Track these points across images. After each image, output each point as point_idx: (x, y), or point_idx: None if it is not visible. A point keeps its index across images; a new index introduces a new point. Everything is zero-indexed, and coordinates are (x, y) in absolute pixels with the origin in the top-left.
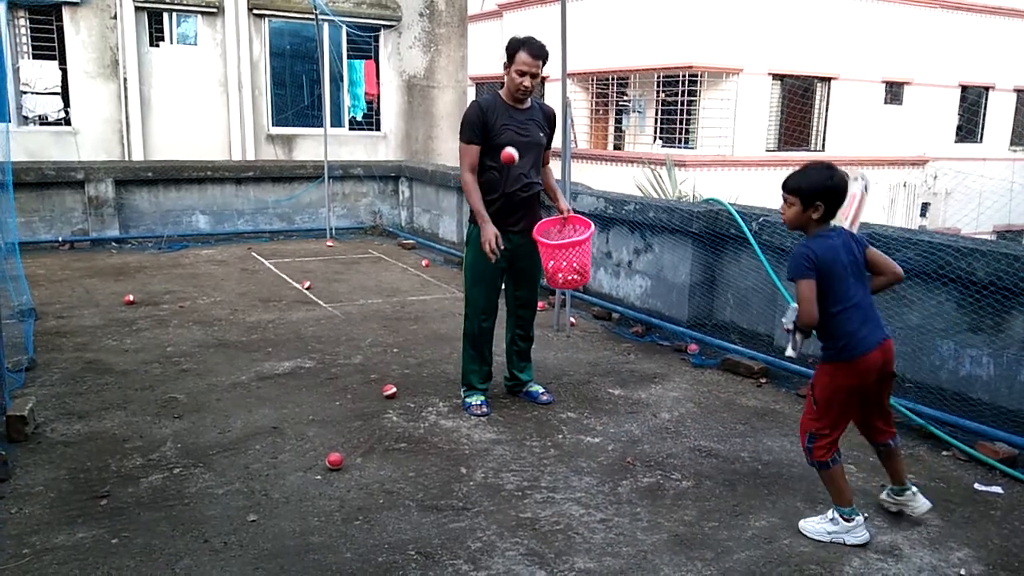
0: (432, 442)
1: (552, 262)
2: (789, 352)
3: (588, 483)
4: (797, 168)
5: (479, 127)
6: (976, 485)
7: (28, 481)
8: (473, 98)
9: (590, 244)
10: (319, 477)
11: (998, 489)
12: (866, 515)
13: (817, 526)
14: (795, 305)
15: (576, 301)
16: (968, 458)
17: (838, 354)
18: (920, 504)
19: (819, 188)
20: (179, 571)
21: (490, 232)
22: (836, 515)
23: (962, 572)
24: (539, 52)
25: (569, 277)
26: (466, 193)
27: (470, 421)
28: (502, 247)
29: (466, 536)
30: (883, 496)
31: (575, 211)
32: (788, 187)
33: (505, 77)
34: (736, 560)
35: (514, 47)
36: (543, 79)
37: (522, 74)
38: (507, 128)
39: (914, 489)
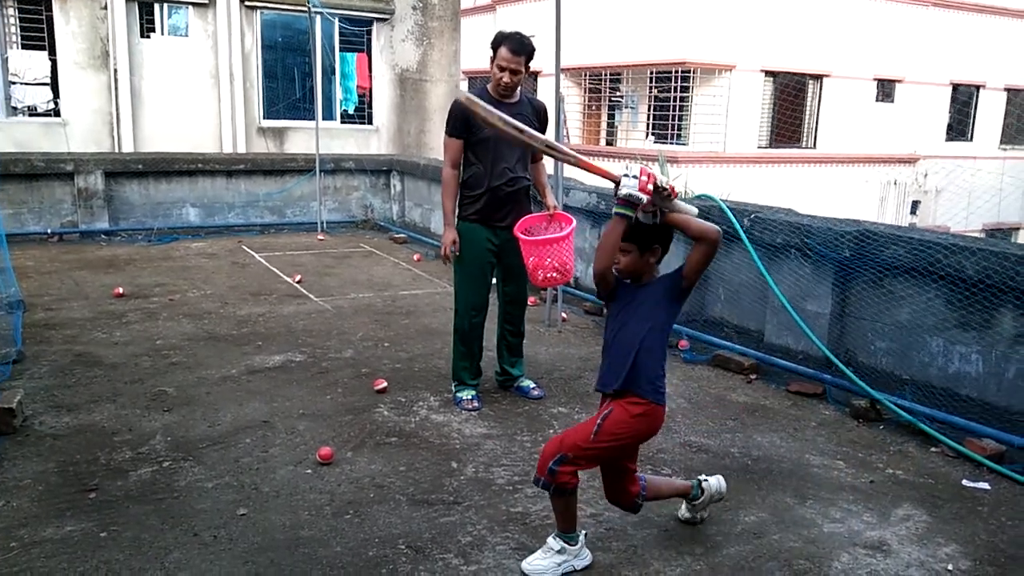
0: (423, 436)
1: (532, 258)
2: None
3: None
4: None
5: (461, 122)
6: (964, 481)
7: (16, 474)
8: (466, 92)
9: (571, 241)
10: (309, 471)
11: (986, 485)
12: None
13: (543, 562)
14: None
15: (567, 296)
16: (956, 454)
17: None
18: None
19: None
20: (168, 564)
21: (448, 237)
22: (561, 542)
23: (950, 567)
24: (520, 48)
25: (549, 275)
26: (442, 189)
27: (461, 416)
28: (456, 254)
29: (456, 530)
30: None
31: (565, 208)
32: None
33: (491, 72)
34: (725, 555)
35: (497, 42)
36: (535, 74)
37: (502, 69)
38: None
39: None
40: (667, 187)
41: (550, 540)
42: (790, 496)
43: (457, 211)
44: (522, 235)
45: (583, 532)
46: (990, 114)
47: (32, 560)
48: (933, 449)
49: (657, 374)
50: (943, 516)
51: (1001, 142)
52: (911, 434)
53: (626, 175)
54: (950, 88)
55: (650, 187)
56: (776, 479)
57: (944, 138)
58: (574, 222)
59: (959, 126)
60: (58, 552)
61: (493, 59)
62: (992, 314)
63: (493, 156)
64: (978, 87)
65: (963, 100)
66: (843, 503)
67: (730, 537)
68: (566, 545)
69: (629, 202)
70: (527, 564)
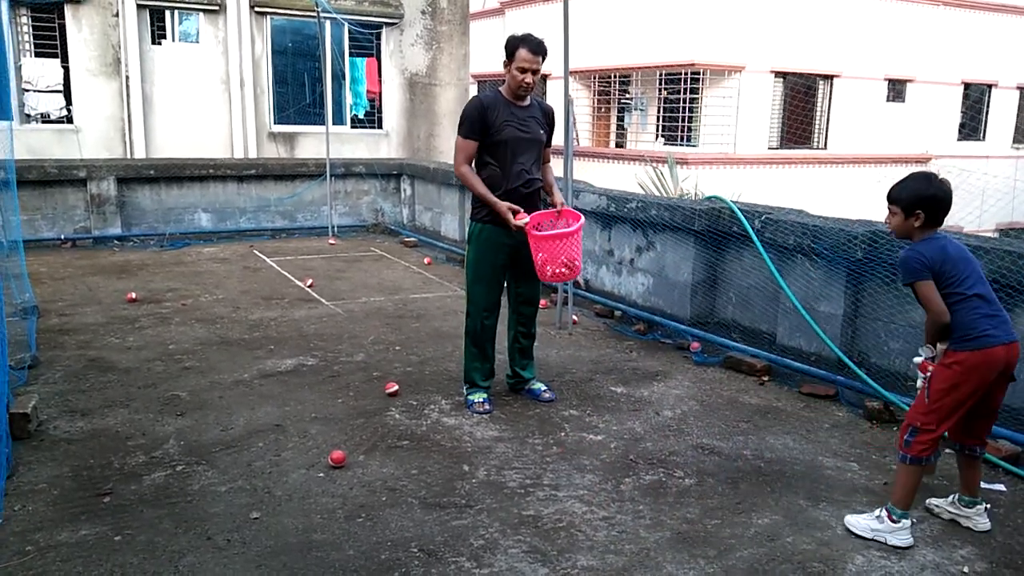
0: (434, 440)
1: (541, 254)
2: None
3: (591, 481)
4: (900, 178)
5: (478, 123)
6: (979, 483)
7: (31, 478)
8: (476, 95)
9: (579, 237)
10: (322, 475)
11: (1001, 487)
12: (914, 520)
13: (863, 522)
14: (928, 346)
15: (578, 299)
16: None
17: (964, 344)
18: (983, 522)
19: (917, 198)
20: (182, 568)
21: (504, 206)
22: (884, 513)
23: (965, 570)
24: (538, 48)
25: (558, 270)
26: (467, 183)
27: (472, 419)
28: (523, 219)
29: (469, 534)
30: (943, 503)
31: (574, 209)
32: (890, 197)
33: (506, 75)
34: (739, 558)
35: (513, 44)
36: (544, 77)
37: (523, 71)
38: (508, 124)
39: (986, 505)
40: None
41: (880, 509)
42: (803, 498)
43: (471, 212)
44: (531, 231)
45: (911, 520)
46: (1002, 113)
47: (48, 564)
48: (947, 451)
49: (952, 332)
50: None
51: (1014, 141)
52: None
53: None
54: (962, 87)
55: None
56: (789, 481)
57: (956, 138)
58: (582, 219)
59: (971, 125)
60: (73, 556)
61: (509, 62)
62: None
63: (511, 157)
64: (990, 86)
65: (975, 99)
66: (857, 505)
67: (743, 540)
68: (885, 516)
69: None
70: (850, 516)
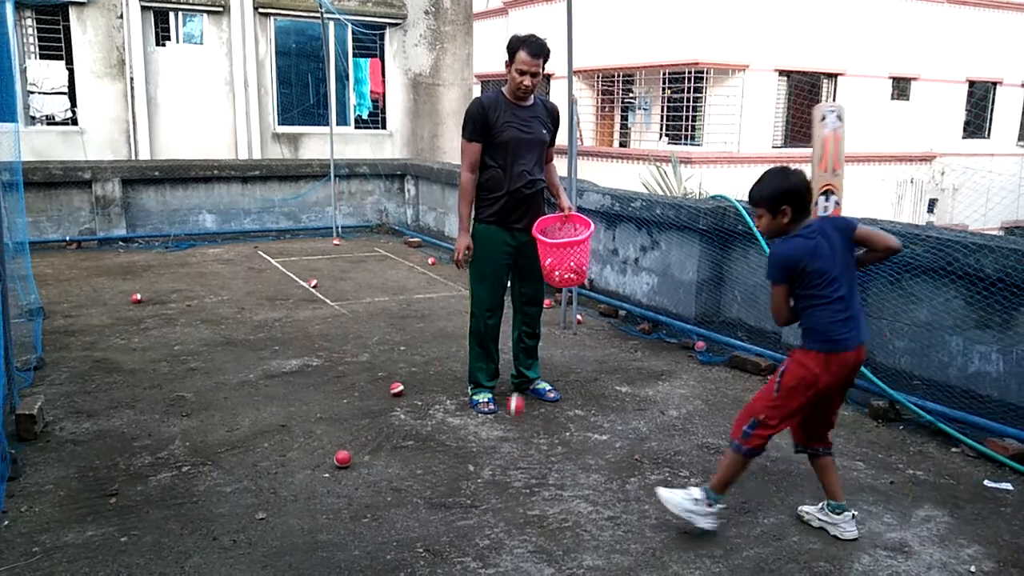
0: (439, 440)
1: (550, 259)
2: None
3: (596, 480)
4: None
5: (480, 124)
6: (986, 482)
7: (38, 479)
8: (478, 96)
9: (588, 244)
10: (327, 475)
11: (1008, 486)
12: (855, 513)
13: (677, 498)
14: None
15: (583, 298)
16: (977, 455)
17: (820, 344)
18: (850, 531)
19: (779, 193)
20: (188, 569)
21: (462, 243)
22: (702, 496)
23: (972, 569)
24: (539, 51)
25: (566, 276)
26: (459, 194)
27: (477, 419)
28: (468, 261)
29: (474, 534)
30: (813, 511)
31: (579, 210)
32: (752, 200)
33: (507, 75)
34: (745, 557)
35: (514, 46)
36: (548, 76)
37: (522, 73)
38: (510, 125)
39: (853, 512)
40: None
41: (695, 489)
42: (809, 498)
43: (474, 213)
44: (540, 236)
45: (722, 506)
46: (1007, 111)
47: (54, 565)
48: (954, 449)
49: (804, 332)
50: (965, 517)
51: (1019, 139)
52: (931, 434)
53: None
54: (966, 85)
55: None
56: (795, 480)
57: (961, 135)
58: (592, 226)
59: (976, 123)
60: (79, 557)
61: (510, 63)
62: (1012, 313)
63: (512, 158)
64: (995, 84)
65: (980, 97)
66: (863, 504)
67: (749, 539)
68: (703, 499)
69: None
70: (663, 489)
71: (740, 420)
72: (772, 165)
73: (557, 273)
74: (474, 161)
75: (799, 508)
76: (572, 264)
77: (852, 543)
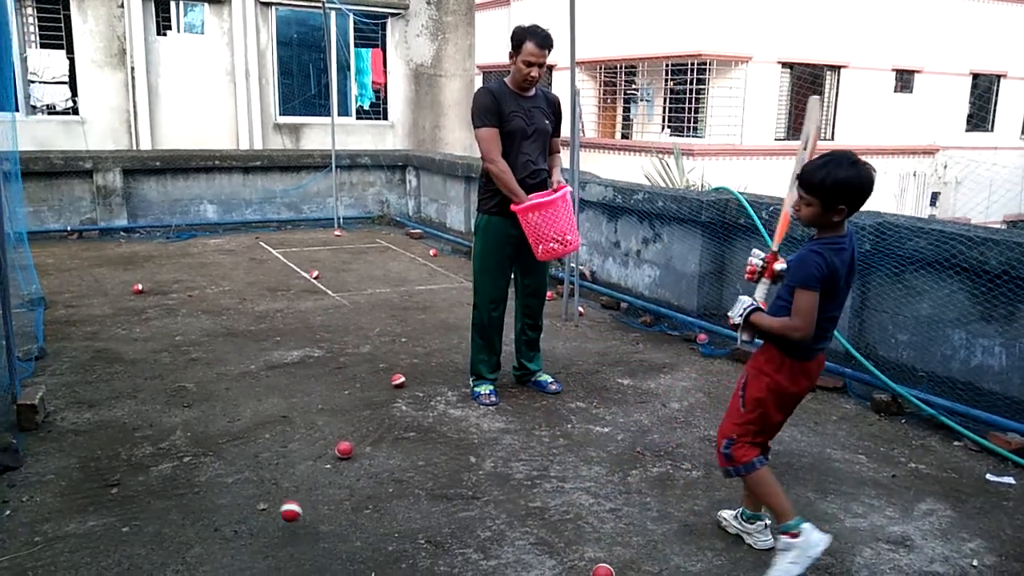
0: (441, 431)
1: (529, 230)
2: (743, 340)
3: (597, 473)
4: (817, 159)
5: (495, 111)
6: (988, 476)
7: (39, 469)
8: (478, 88)
9: (568, 209)
10: (329, 466)
11: (1010, 480)
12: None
13: (784, 563)
14: (744, 299)
15: (584, 291)
16: (980, 448)
17: (791, 352)
18: (764, 540)
19: (843, 188)
20: (190, 559)
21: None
22: (784, 538)
23: (974, 563)
24: (545, 42)
25: (550, 246)
26: (500, 176)
27: (479, 410)
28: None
29: (476, 525)
30: (728, 516)
31: (581, 202)
32: (807, 184)
33: (511, 66)
34: (747, 550)
35: (520, 37)
36: (550, 68)
37: (529, 64)
38: (515, 115)
39: (767, 522)
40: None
41: (779, 541)
42: (811, 491)
43: (477, 203)
44: (514, 207)
45: (765, 523)
46: (1011, 104)
47: (56, 555)
48: (956, 443)
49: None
50: (967, 511)
51: (1023, 132)
52: (933, 428)
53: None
54: (970, 78)
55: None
56: (797, 474)
57: (964, 128)
58: (567, 188)
59: (979, 116)
60: (81, 547)
61: (515, 55)
62: (1016, 306)
63: (517, 149)
64: (999, 76)
65: (984, 89)
66: (865, 498)
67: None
68: (790, 540)
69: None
70: (772, 571)
71: (718, 446)
72: (774, 158)
73: (540, 246)
74: (499, 146)
75: (719, 513)
76: (552, 233)
77: (853, 536)
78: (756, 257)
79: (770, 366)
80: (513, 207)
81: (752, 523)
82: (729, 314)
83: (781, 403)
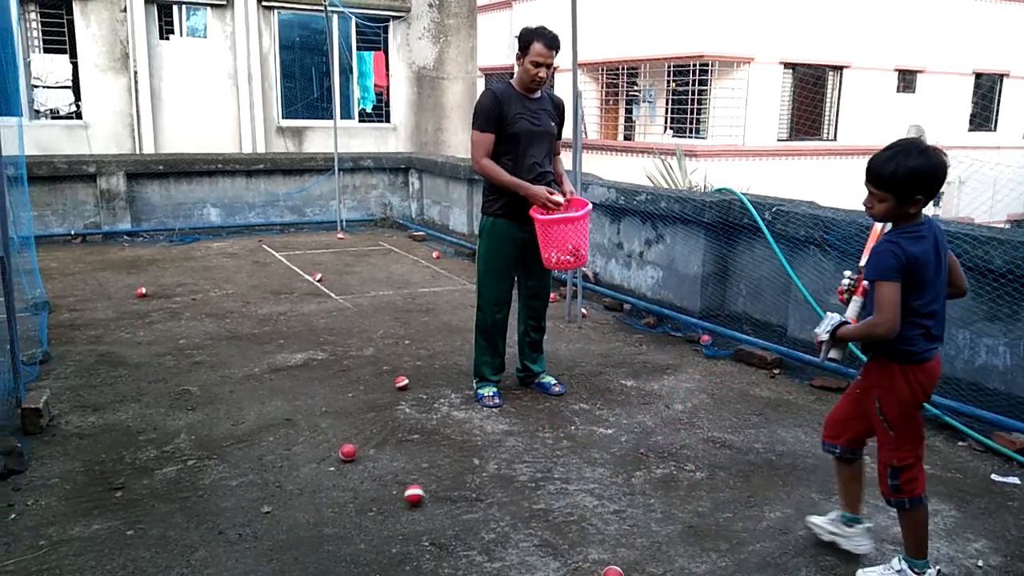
0: (445, 433)
1: (547, 240)
2: (825, 357)
3: (601, 474)
4: (883, 152)
5: (494, 116)
6: (993, 476)
7: (44, 473)
8: (483, 89)
9: (586, 225)
10: (332, 468)
11: (1015, 480)
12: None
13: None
14: (832, 315)
15: (587, 292)
16: (984, 448)
17: (910, 356)
18: (864, 544)
19: (918, 177)
20: (194, 562)
21: (539, 191)
22: (905, 567)
23: (979, 563)
24: (553, 43)
25: (564, 257)
26: (491, 175)
27: (482, 412)
28: (558, 196)
29: (480, 527)
30: (821, 522)
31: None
32: (877, 179)
33: (518, 67)
34: (751, 551)
35: (528, 38)
36: (553, 69)
37: (537, 65)
38: (521, 117)
39: (869, 525)
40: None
41: (895, 560)
42: (816, 491)
43: (481, 205)
44: (537, 216)
45: (937, 568)
46: (1014, 103)
47: (61, 558)
48: (960, 443)
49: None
50: (972, 511)
51: None
52: (938, 428)
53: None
54: (973, 77)
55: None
56: (801, 474)
57: (967, 128)
58: (589, 205)
59: (982, 116)
60: (86, 550)
61: (522, 56)
62: (1021, 306)
63: (523, 150)
64: (1001, 76)
65: (986, 89)
66: (869, 498)
67: (756, 533)
68: (908, 570)
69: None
70: (863, 572)
71: (881, 479)
72: (777, 158)
73: (554, 255)
74: (488, 150)
75: (807, 519)
76: (570, 246)
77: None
78: (846, 278)
79: (886, 381)
80: (538, 218)
81: (851, 526)
82: (816, 331)
83: (917, 405)
